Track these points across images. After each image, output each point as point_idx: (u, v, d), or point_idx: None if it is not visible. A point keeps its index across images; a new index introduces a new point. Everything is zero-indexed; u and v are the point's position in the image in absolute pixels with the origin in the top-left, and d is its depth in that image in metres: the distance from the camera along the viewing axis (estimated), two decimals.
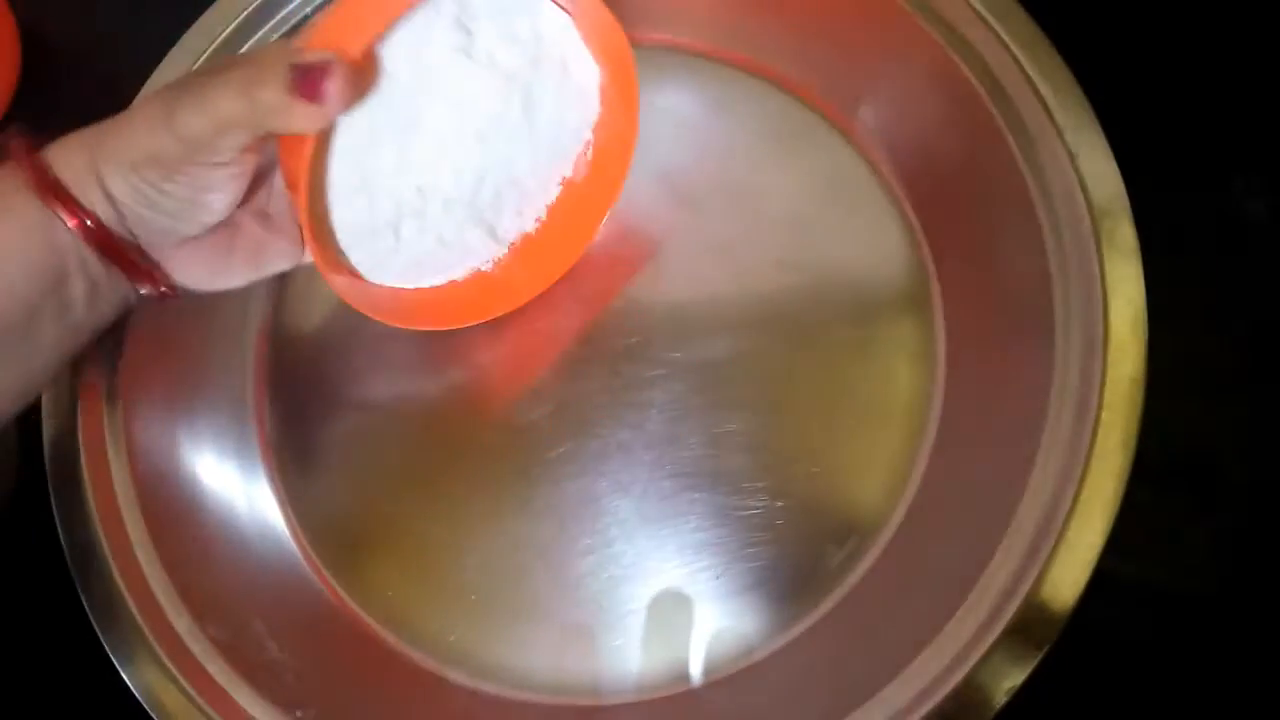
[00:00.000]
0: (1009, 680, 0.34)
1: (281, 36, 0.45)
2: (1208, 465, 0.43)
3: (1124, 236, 0.38)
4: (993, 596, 0.36)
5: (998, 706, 0.34)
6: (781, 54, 0.48)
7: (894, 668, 0.36)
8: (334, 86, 0.29)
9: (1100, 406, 0.36)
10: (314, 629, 0.42)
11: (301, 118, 0.30)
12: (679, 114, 0.48)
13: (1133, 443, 0.35)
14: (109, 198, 0.30)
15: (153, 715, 0.37)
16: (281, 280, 0.48)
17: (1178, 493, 0.43)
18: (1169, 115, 0.47)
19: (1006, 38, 0.41)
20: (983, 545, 0.37)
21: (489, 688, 0.42)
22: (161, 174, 0.30)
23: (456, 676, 0.42)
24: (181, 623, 0.38)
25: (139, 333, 0.41)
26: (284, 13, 0.44)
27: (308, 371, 0.47)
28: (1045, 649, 0.34)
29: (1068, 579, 0.35)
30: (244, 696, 0.38)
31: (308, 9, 0.45)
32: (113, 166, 0.30)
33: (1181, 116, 0.47)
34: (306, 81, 0.29)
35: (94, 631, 0.38)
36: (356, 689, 0.41)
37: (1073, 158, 0.39)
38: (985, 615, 0.35)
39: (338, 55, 0.30)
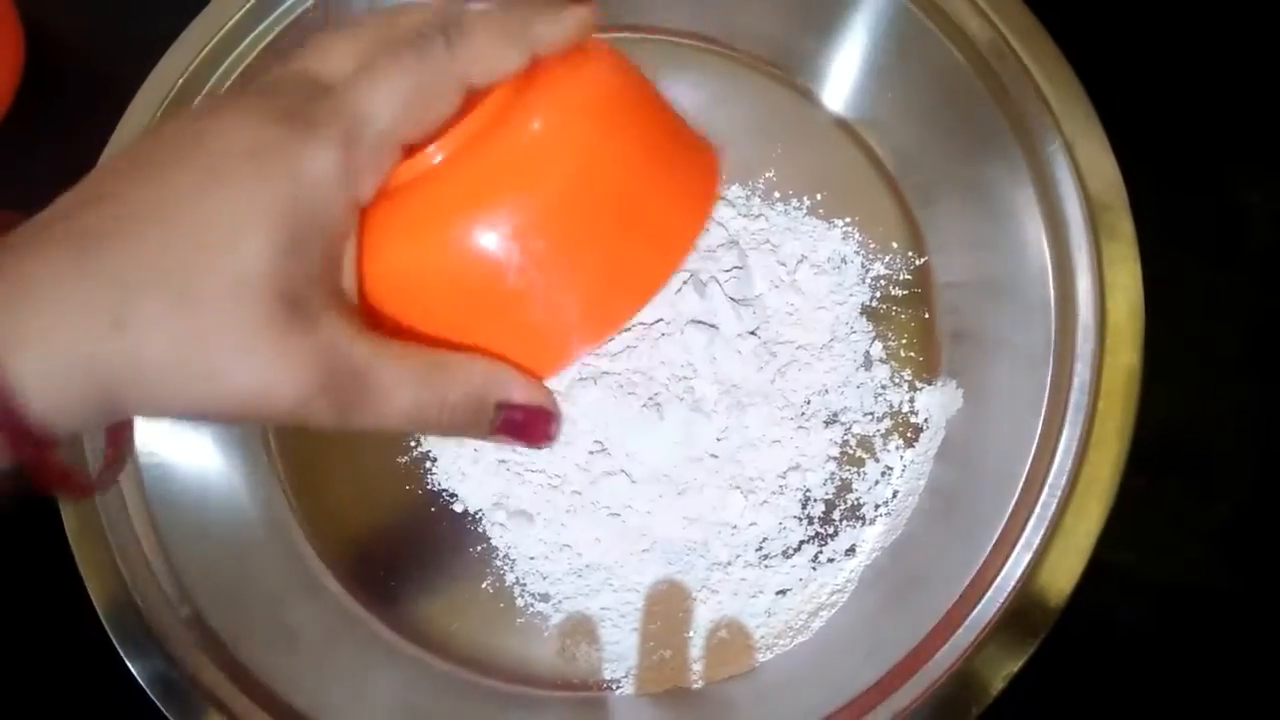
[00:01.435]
0: (1006, 667, 0.35)
1: (281, 32, 0.45)
2: (1205, 454, 0.43)
3: (1121, 226, 0.38)
4: (990, 585, 0.36)
5: (995, 693, 0.34)
6: (780, 46, 0.48)
7: (893, 654, 0.37)
8: (547, 438, 0.24)
9: (1097, 395, 0.36)
10: (317, 618, 0.42)
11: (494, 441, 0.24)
12: (678, 106, 0.48)
13: (1129, 431, 0.36)
14: (111, 413, 0.21)
15: (158, 704, 0.37)
16: None
17: (1175, 482, 0.43)
18: (1167, 106, 0.47)
19: (1004, 29, 0.41)
20: (981, 534, 0.38)
21: (491, 678, 0.42)
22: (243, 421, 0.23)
23: (458, 666, 0.42)
24: (186, 612, 0.38)
25: None
26: (281, 9, 0.44)
27: None
28: (1042, 637, 0.35)
29: (1065, 567, 0.35)
30: (248, 685, 0.38)
31: (305, 3, 0.45)
32: (161, 408, 0.21)
33: (1180, 107, 0.47)
34: (519, 429, 0.23)
35: (100, 622, 0.38)
36: (359, 678, 0.41)
37: (1070, 147, 0.39)
38: (983, 603, 0.36)
39: (551, 397, 0.24)
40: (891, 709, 0.35)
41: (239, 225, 0.20)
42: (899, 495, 0.43)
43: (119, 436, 0.25)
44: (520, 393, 0.23)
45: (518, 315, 0.23)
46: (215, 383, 0.20)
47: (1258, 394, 0.43)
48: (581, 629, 0.42)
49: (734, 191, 0.47)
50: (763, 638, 0.41)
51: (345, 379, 0.21)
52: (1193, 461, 0.43)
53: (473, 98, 0.23)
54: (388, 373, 0.22)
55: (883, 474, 0.43)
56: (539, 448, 0.25)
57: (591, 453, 0.43)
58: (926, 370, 0.44)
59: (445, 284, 0.22)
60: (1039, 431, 0.38)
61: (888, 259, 0.46)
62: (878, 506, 0.43)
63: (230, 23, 0.44)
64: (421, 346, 0.23)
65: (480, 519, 0.44)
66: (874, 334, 0.44)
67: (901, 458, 0.43)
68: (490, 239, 0.21)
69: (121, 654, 0.38)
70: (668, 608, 0.42)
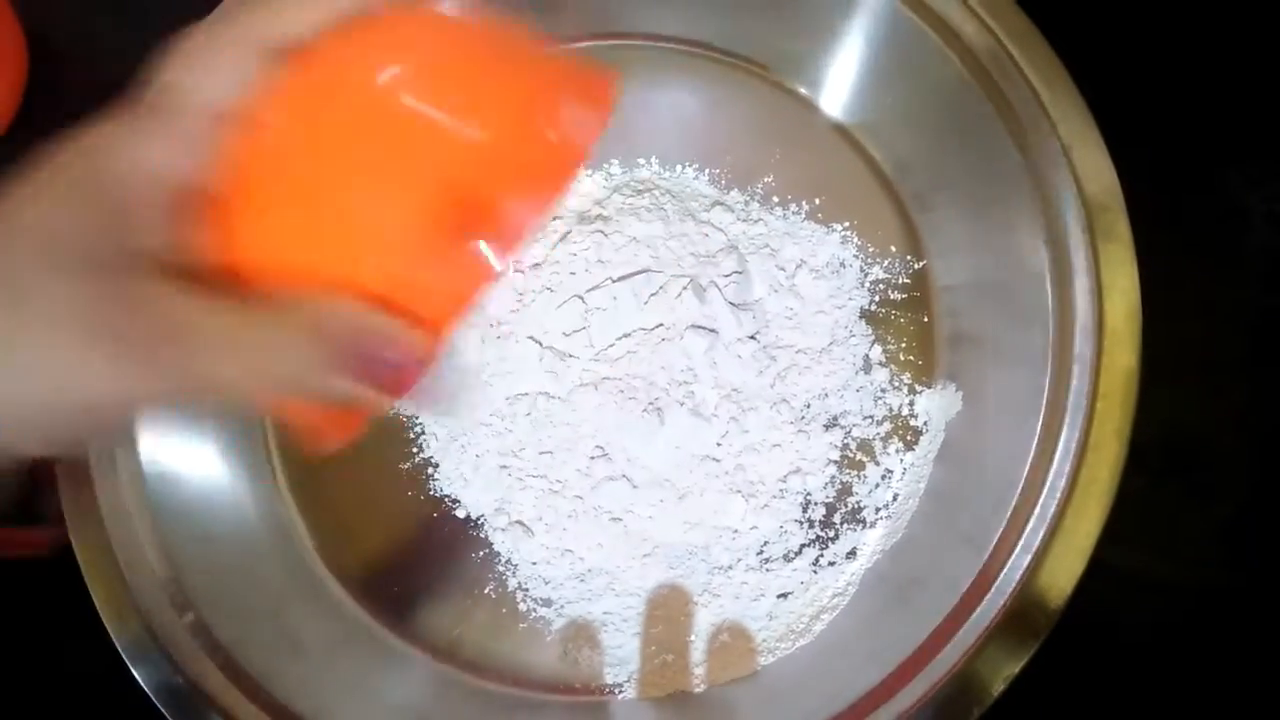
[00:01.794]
0: (1007, 668, 0.35)
1: None
2: (1204, 455, 0.43)
3: (1118, 229, 0.38)
4: (991, 586, 0.36)
5: (996, 694, 0.34)
6: (777, 52, 0.48)
7: (894, 656, 0.37)
8: (409, 376, 0.22)
9: (1096, 397, 0.36)
10: (321, 624, 0.42)
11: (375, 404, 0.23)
12: (678, 110, 0.49)
13: (1128, 432, 0.36)
14: None
15: (164, 711, 0.37)
16: None
17: (1174, 483, 0.43)
18: (1164, 108, 0.47)
19: (1000, 33, 0.41)
20: (981, 536, 0.38)
21: (492, 683, 0.42)
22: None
23: (461, 671, 0.42)
24: (190, 619, 0.39)
25: None
26: None
27: None
28: (1043, 637, 0.35)
29: (1065, 568, 0.35)
30: (252, 691, 0.38)
31: None
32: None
33: (1177, 109, 0.47)
34: (380, 374, 0.22)
35: (104, 629, 0.38)
36: (363, 683, 0.41)
37: (1066, 150, 0.40)
38: (984, 604, 0.36)
39: (414, 331, 0.22)
40: (893, 711, 0.35)
41: (41, 202, 0.20)
42: (899, 498, 0.43)
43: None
44: (378, 324, 0.21)
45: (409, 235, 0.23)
46: (30, 378, 0.19)
47: (1257, 395, 0.44)
48: (584, 633, 0.42)
49: (733, 196, 0.47)
50: (764, 641, 0.42)
51: (164, 334, 0.20)
52: (1193, 462, 0.43)
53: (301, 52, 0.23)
54: (215, 323, 0.20)
55: (883, 477, 0.43)
56: (401, 395, 0.22)
57: (592, 458, 0.43)
58: (926, 373, 0.44)
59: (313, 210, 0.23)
60: (1038, 433, 0.38)
61: (886, 263, 0.46)
62: (878, 509, 0.43)
63: None
64: (264, 300, 0.21)
65: (482, 524, 0.44)
66: (873, 337, 0.45)
67: (901, 461, 0.43)
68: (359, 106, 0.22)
69: (127, 661, 0.38)
70: (669, 612, 0.42)
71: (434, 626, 0.43)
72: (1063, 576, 0.35)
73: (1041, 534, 0.35)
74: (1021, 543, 0.36)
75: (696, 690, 0.41)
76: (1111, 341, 0.37)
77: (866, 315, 0.45)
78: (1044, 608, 0.35)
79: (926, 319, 0.45)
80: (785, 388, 0.44)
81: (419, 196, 0.23)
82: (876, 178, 0.47)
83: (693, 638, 0.42)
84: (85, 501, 0.39)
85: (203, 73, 0.22)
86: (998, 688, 0.35)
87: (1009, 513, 0.37)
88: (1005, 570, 0.36)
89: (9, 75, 0.51)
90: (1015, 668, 0.35)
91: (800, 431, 0.43)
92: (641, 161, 0.48)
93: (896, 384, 0.44)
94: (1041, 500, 0.36)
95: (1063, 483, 0.36)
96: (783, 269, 0.45)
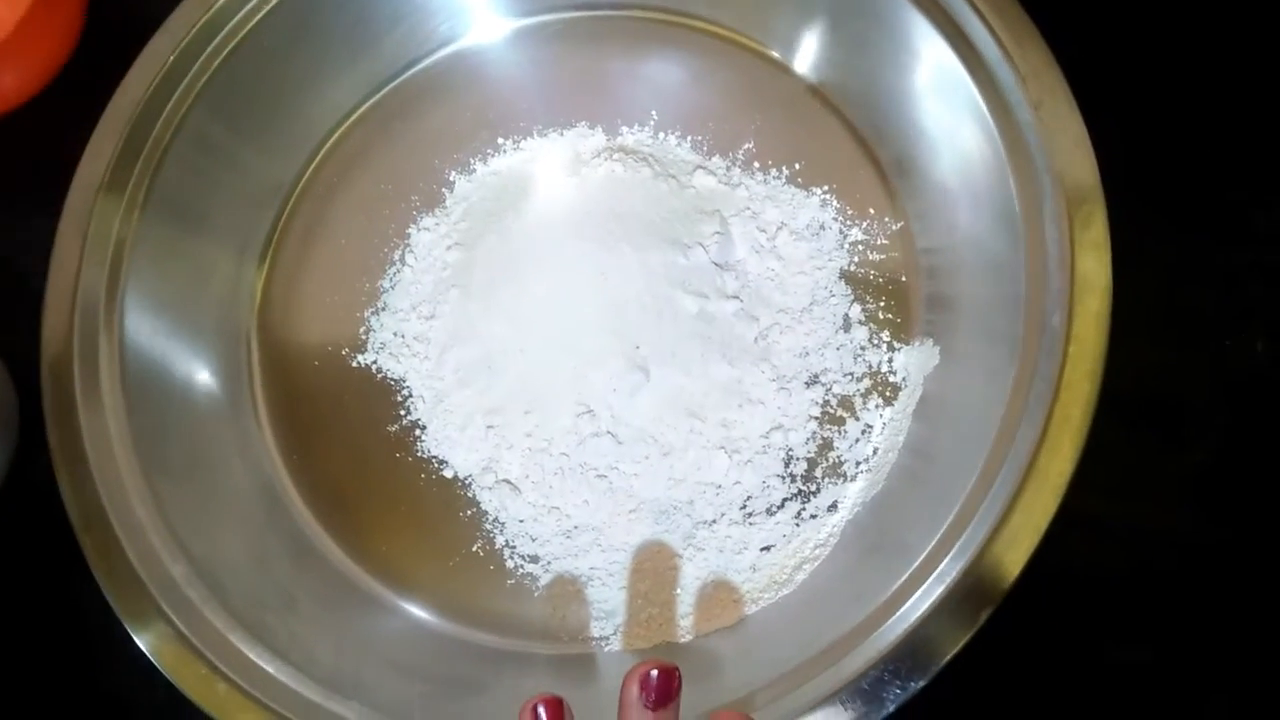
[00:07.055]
0: (981, 611, 0.35)
1: (266, 14, 0.46)
2: (1177, 406, 0.44)
3: (1091, 186, 0.39)
4: (966, 528, 0.36)
5: (969, 636, 0.35)
6: (760, 22, 0.49)
7: (873, 601, 0.37)
8: None
9: (1068, 340, 0.37)
10: (314, 582, 0.43)
11: None
12: (662, 81, 0.50)
13: (1099, 373, 0.36)
14: None
15: (159, 667, 0.38)
16: (275, 253, 0.49)
17: (1148, 433, 0.44)
18: (1135, 68, 0.48)
19: (980, 6, 0.42)
20: (958, 484, 0.38)
21: (484, 637, 0.43)
22: None
23: (451, 625, 0.43)
24: (180, 573, 0.39)
25: (134, 299, 0.43)
26: None
27: (303, 330, 0.48)
28: (1017, 577, 0.35)
29: (1039, 506, 0.35)
30: (248, 647, 0.38)
31: None
32: None
33: (1151, 71, 0.48)
34: None
35: (98, 588, 0.39)
36: (356, 638, 0.42)
37: (1039, 110, 0.40)
38: (959, 545, 0.36)
39: None
40: (869, 651, 0.35)
41: None
42: (879, 452, 0.44)
43: None
44: None
45: None
46: None
47: (1228, 347, 0.44)
48: (571, 589, 0.43)
49: (715, 162, 0.48)
50: (748, 592, 0.42)
51: None
52: (1166, 413, 0.44)
53: None
54: None
55: (863, 432, 0.44)
56: None
57: (578, 415, 0.43)
58: (904, 331, 0.45)
59: None
60: (1012, 382, 0.38)
61: (865, 224, 0.46)
62: (858, 464, 0.44)
63: (220, 2, 0.45)
64: None
65: (470, 484, 0.44)
66: (852, 297, 0.45)
67: (881, 416, 0.44)
68: None
69: (121, 619, 0.38)
70: (655, 566, 0.43)
71: (424, 583, 0.44)
72: (1037, 514, 0.35)
73: (1016, 473, 0.36)
74: (997, 481, 0.36)
75: (682, 640, 0.42)
76: (1083, 289, 0.38)
77: (846, 275, 0.46)
78: (1018, 549, 0.35)
79: (905, 278, 0.46)
80: (767, 346, 0.44)
81: None
82: (856, 142, 0.48)
83: (678, 591, 0.43)
84: (77, 463, 0.40)
85: None
86: (971, 630, 0.35)
87: (984, 458, 0.38)
88: (980, 511, 0.36)
89: (64, 33, 0.51)
90: (989, 610, 0.35)
91: (782, 389, 0.44)
92: (624, 129, 0.48)
93: (875, 341, 0.45)
94: (1015, 441, 0.36)
95: (1036, 422, 0.36)
96: (764, 231, 0.46)
